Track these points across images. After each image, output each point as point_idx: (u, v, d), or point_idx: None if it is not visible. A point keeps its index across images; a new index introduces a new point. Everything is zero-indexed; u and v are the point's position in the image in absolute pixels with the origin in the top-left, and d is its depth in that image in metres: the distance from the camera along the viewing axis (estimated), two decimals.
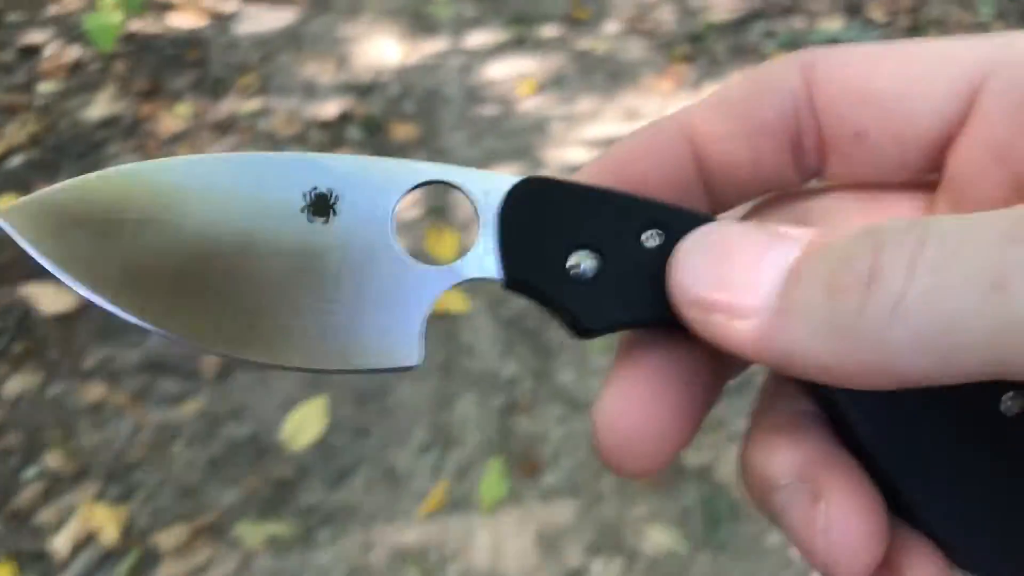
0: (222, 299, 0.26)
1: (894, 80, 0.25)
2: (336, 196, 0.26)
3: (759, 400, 0.28)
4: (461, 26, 2.44)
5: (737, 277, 0.22)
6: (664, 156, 0.26)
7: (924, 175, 0.26)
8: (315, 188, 0.26)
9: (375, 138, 2.11)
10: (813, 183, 0.28)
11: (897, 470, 0.24)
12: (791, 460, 0.24)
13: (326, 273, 0.26)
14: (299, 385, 1.59)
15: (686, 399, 0.26)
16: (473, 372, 1.61)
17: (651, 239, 0.26)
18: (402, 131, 2.12)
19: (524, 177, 0.27)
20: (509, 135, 2.09)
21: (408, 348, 0.26)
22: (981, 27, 2.29)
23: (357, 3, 2.55)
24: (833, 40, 2.30)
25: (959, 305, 0.18)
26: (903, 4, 2.39)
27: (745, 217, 0.28)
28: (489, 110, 2.18)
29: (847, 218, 0.27)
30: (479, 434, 1.52)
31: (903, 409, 0.24)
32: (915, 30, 2.30)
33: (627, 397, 0.25)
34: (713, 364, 0.26)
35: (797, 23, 2.37)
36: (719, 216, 0.27)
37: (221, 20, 2.48)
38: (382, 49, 2.38)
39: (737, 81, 0.27)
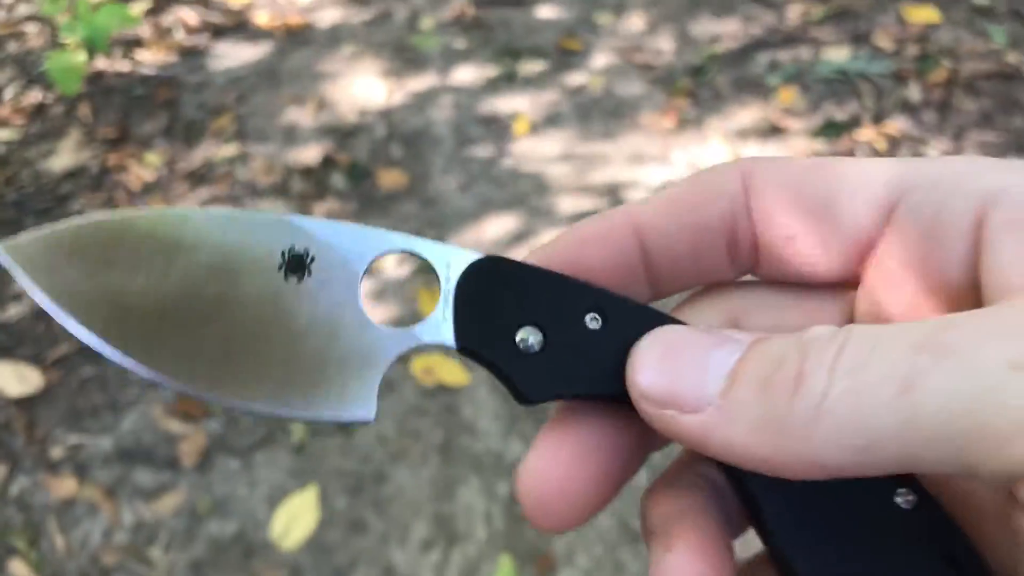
0: (199, 341, 0.28)
1: (822, 192, 0.27)
2: (312, 257, 0.28)
3: (680, 454, 0.30)
4: (448, 59, 2.32)
5: (686, 376, 0.24)
6: (613, 245, 0.28)
7: (846, 277, 0.28)
8: (292, 248, 0.28)
9: (361, 187, 1.99)
10: (747, 277, 0.31)
11: (793, 552, 0.26)
12: (665, 511, 0.27)
13: (295, 327, 0.28)
14: (287, 473, 1.47)
15: (607, 465, 0.28)
16: (475, 453, 1.50)
17: (593, 322, 0.28)
18: (389, 178, 2.00)
19: (482, 256, 0.29)
20: (503, 181, 1.98)
21: (365, 404, 0.28)
22: (994, 55, 2.19)
23: (336, 35, 2.42)
24: (842, 72, 2.20)
25: (873, 405, 0.21)
26: (911, 32, 2.30)
27: (682, 305, 0.31)
28: (481, 152, 2.06)
29: (776, 312, 0.29)
30: (486, 527, 1.41)
31: (806, 495, 0.26)
32: (924, 58, 2.20)
33: (550, 460, 0.27)
34: (638, 435, 0.29)
35: (803, 53, 2.27)
36: (659, 302, 0.30)
37: (193, 56, 2.35)
38: (365, 86, 2.25)
39: (682, 181, 0.29)
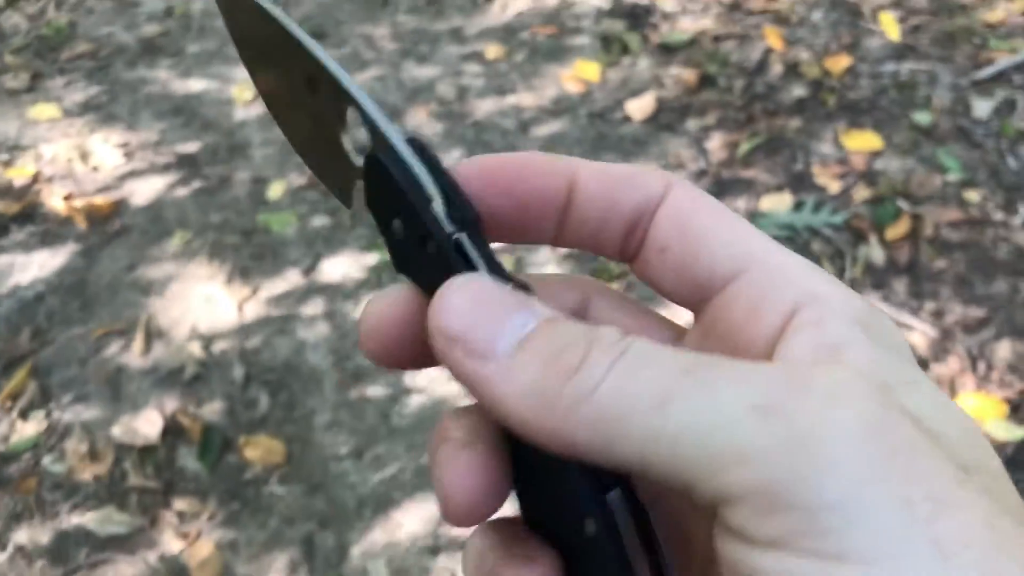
0: (277, 68, 0.34)
1: (699, 232, 0.30)
2: (318, 85, 0.32)
3: None
4: (311, 244, 1.86)
5: (483, 327, 0.26)
6: (549, 180, 0.31)
7: (692, 301, 0.31)
8: (313, 72, 0.32)
9: (220, 468, 1.52)
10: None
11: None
12: (461, 424, 0.29)
13: (308, 112, 0.33)
14: None
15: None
16: None
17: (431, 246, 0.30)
18: (257, 450, 1.54)
19: (410, 135, 0.30)
20: (413, 430, 1.55)
21: (346, 188, 0.33)
22: (954, 194, 1.93)
23: (159, 217, 1.91)
24: (789, 227, 1.88)
25: (631, 408, 0.24)
26: (854, 164, 2.01)
27: (552, 278, 0.34)
28: (376, 388, 1.62)
29: (620, 315, 0.33)
30: None
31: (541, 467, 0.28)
32: (878, 203, 1.92)
33: (390, 301, 0.30)
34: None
35: (739, 203, 1.94)
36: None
37: None
38: (207, 298, 1.77)
39: (626, 165, 0.32)
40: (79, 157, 2.00)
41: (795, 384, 0.23)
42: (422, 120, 2.13)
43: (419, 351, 0.30)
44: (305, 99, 0.33)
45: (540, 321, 0.26)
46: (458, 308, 0.27)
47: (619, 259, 0.32)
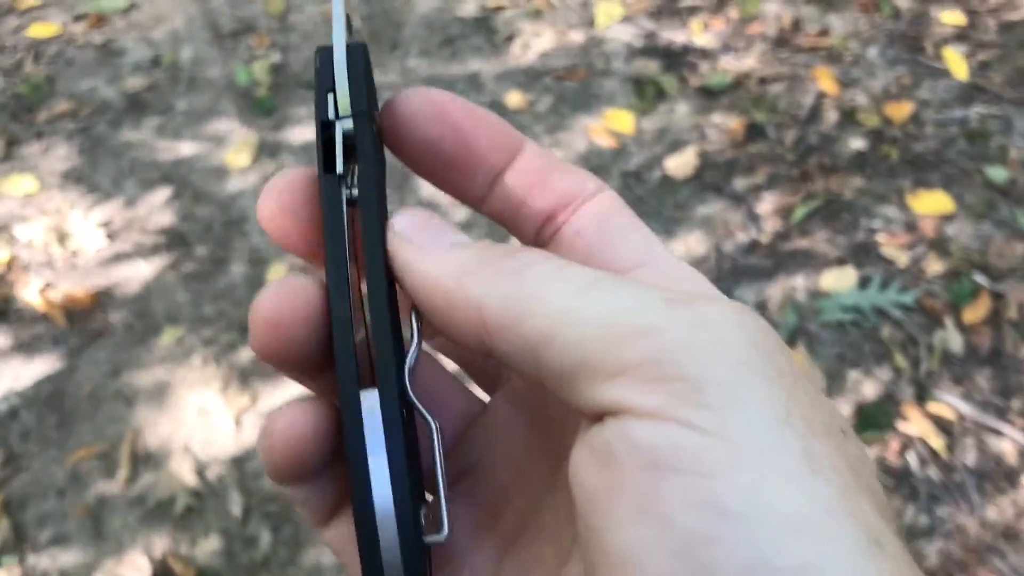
0: None
1: (610, 229, 0.32)
2: None
3: None
4: None
5: (430, 228, 0.30)
6: (499, 142, 0.33)
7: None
8: None
9: None
10: None
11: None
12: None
13: None
14: None
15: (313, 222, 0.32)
16: None
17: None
18: None
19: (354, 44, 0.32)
20: None
21: None
22: None
23: (146, 310, 1.72)
24: (855, 309, 1.68)
25: (555, 288, 0.27)
26: (923, 230, 1.80)
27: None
28: None
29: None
30: None
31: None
32: (953, 279, 1.71)
33: (289, 186, 0.32)
34: None
35: (797, 281, 1.73)
36: None
37: None
38: (201, 412, 1.58)
39: (562, 158, 0.35)
40: (57, 240, 1.81)
41: (703, 295, 0.27)
42: None
43: (314, 348, 0.30)
44: None
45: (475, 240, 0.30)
46: (413, 214, 0.30)
47: (532, 241, 0.33)
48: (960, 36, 2.16)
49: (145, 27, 2.25)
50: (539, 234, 0.33)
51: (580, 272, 0.27)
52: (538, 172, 0.33)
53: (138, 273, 1.78)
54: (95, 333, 1.69)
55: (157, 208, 1.89)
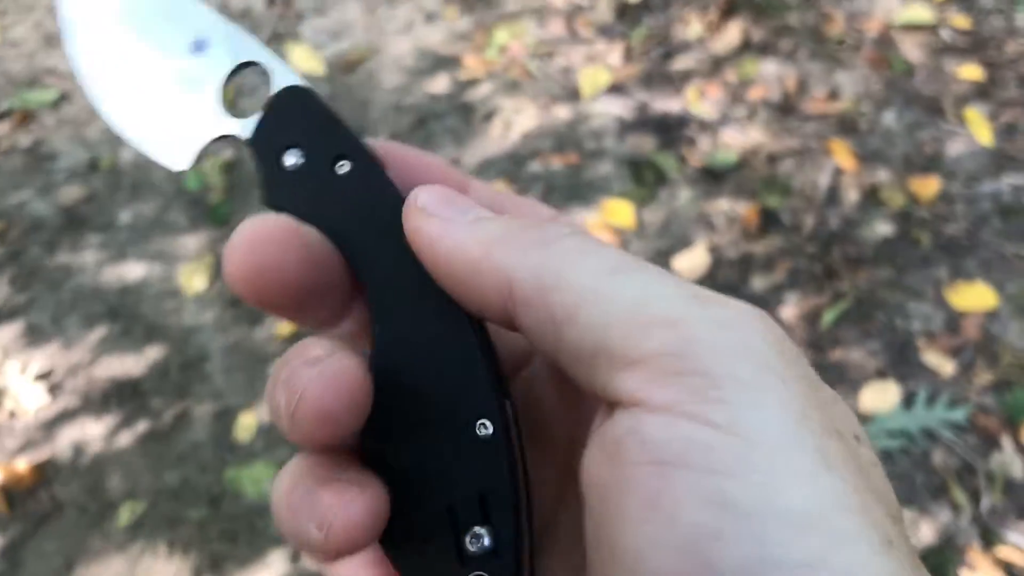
0: (125, 68, 0.37)
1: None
2: (210, 45, 0.37)
3: None
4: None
5: (454, 205, 0.30)
6: (446, 178, 0.35)
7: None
8: (203, 34, 0.37)
9: None
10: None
11: (377, 422, 0.30)
12: (324, 345, 0.30)
13: (176, 86, 0.37)
14: None
15: (305, 265, 0.31)
16: None
17: (341, 167, 0.34)
18: None
19: (296, 85, 0.36)
20: None
21: (183, 157, 0.37)
22: None
23: (98, 489, 1.51)
24: (903, 434, 1.51)
25: (584, 264, 0.27)
26: (967, 331, 1.63)
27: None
28: None
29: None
30: None
31: (407, 386, 0.31)
32: (1004, 390, 1.55)
33: (275, 229, 0.32)
34: (337, 269, 0.34)
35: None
36: None
37: None
38: None
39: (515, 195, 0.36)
40: None
41: (730, 299, 0.26)
42: None
43: (292, 286, 0.31)
44: (173, 65, 0.37)
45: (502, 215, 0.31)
46: (435, 190, 0.31)
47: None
48: (980, 93, 2.00)
49: (78, 123, 2.02)
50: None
51: (609, 252, 0.27)
52: (490, 205, 0.33)
53: (87, 436, 1.56)
54: (41, 517, 1.48)
55: (104, 350, 1.67)
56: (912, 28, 2.13)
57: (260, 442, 1.55)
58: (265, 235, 0.31)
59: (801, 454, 0.22)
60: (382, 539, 0.30)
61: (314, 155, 0.35)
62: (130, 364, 1.65)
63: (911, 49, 2.09)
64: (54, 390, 1.62)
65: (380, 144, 0.35)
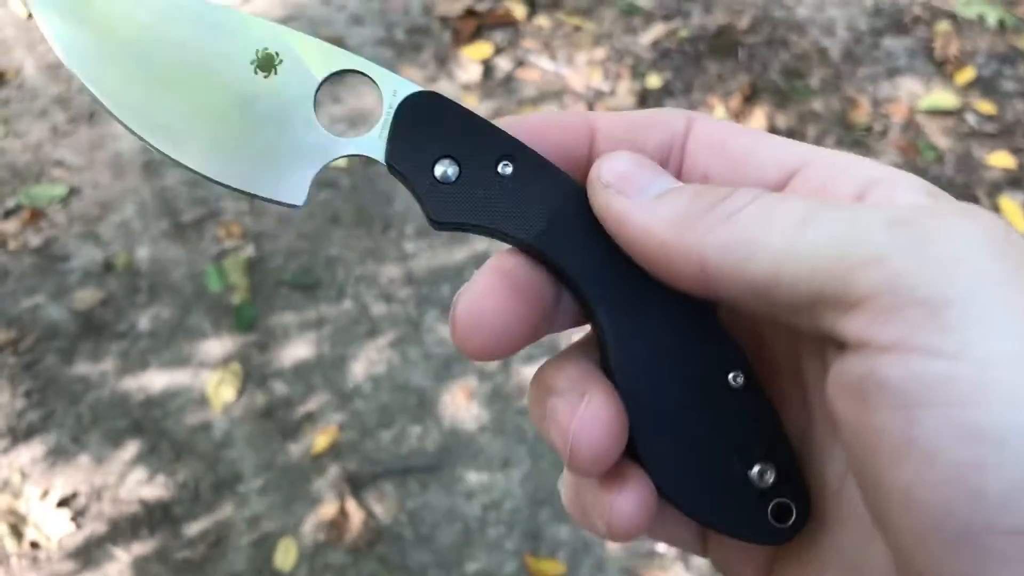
0: (171, 103, 0.34)
1: (743, 149, 0.33)
2: (280, 60, 0.34)
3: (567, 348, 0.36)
4: None
5: (638, 175, 0.31)
6: (569, 133, 0.34)
7: None
8: (266, 48, 0.34)
9: None
10: None
11: (633, 406, 0.32)
12: (569, 374, 0.33)
13: (255, 111, 0.34)
14: None
15: (529, 309, 0.33)
16: None
17: (504, 168, 0.34)
18: None
19: (422, 90, 0.34)
20: None
21: (298, 191, 0.34)
22: None
23: None
24: None
25: (772, 227, 0.27)
26: None
27: None
28: None
29: None
30: None
31: (650, 359, 0.32)
32: None
33: (486, 291, 0.32)
34: (549, 297, 0.34)
35: None
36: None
37: None
38: None
39: (642, 111, 0.35)
40: (11, 531, 1.49)
41: (925, 209, 0.26)
42: (460, 406, 1.67)
43: (514, 336, 0.32)
44: (246, 89, 0.34)
45: (682, 184, 0.31)
46: (618, 164, 0.32)
47: None
48: (1013, 181, 1.99)
49: (90, 219, 1.95)
50: None
51: (793, 206, 0.27)
52: (623, 138, 0.34)
53: (116, 566, 1.47)
54: None
55: (130, 470, 1.59)
56: (937, 113, 2.13)
57: (303, 569, 1.47)
58: (480, 302, 0.32)
59: None
60: (682, 506, 0.32)
61: (471, 161, 0.34)
62: (159, 485, 1.57)
63: (938, 135, 2.09)
64: (78, 516, 1.53)
65: (508, 126, 0.35)
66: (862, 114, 2.13)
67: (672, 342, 0.33)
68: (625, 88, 2.24)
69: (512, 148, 0.34)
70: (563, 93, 2.23)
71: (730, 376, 0.33)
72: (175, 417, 1.66)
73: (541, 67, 2.30)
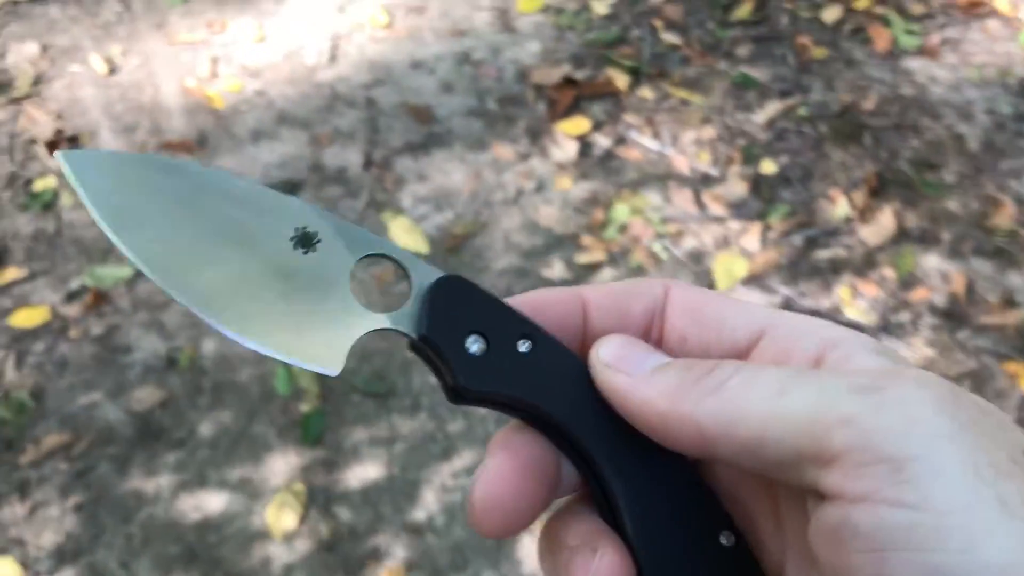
0: (214, 275, 0.35)
1: (716, 315, 0.36)
2: (319, 239, 0.37)
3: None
4: None
5: (633, 356, 0.35)
6: (566, 308, 0.38)
7: None
8: (306, 228, 0.37)
9: None
10: None
11: (643, 560, 0.35)
12: (579, 530, 0.36)
13: (292, 288, 0.36)
14: None
15: (539, 488, 0.36)
16: None
17: (523, 345, 0.37)
18: None
19: (449, 275, 0.38)
20: None
21: (335, 361, 0.36)
22: None
23: None
24: None
25: (756, 395, 0.31)
26: None
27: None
28: None
29: None
30: None
31: (657, 518, 0.35)
32: None
33: (498, 478, 0.35)
34: (553, 469, 0.37)
35: None
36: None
37: None
38: None
39: (625, 281, 0.39)
40: None
41: (885, 375, 0.30)
42: None
43: (527, 515, 0.35)
44: (285, 266, 0.36)
45: (672, 359, 0.35)
46: (615, 346, 0.36)
47: None
48: None
49: (155, 305, 1.83)
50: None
51: (770, 376, 0.31)
52: (613, 309, 0.38)
53: None
54: None
55: None
56: None
57: None
58: (496, 489, 0.35)
59: (985, 507, 0.26)
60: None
61: (497, 338, 0.37)
62: None
63: None
64: None
65: (518, 303, 0.38)
66: (1005, 216, 1.89)
67: (673, 503, 0.36)
68: (736, 173, 2.04)
69: (530, 329, 0.37)
70: (667, 177, 2.04)
71: (722, 537, 0.36)
72: (231, 544, 1.52)
73: (643, 145, 2.11)
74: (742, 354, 0.36)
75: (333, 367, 0.36)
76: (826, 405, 0.29)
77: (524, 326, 0.37)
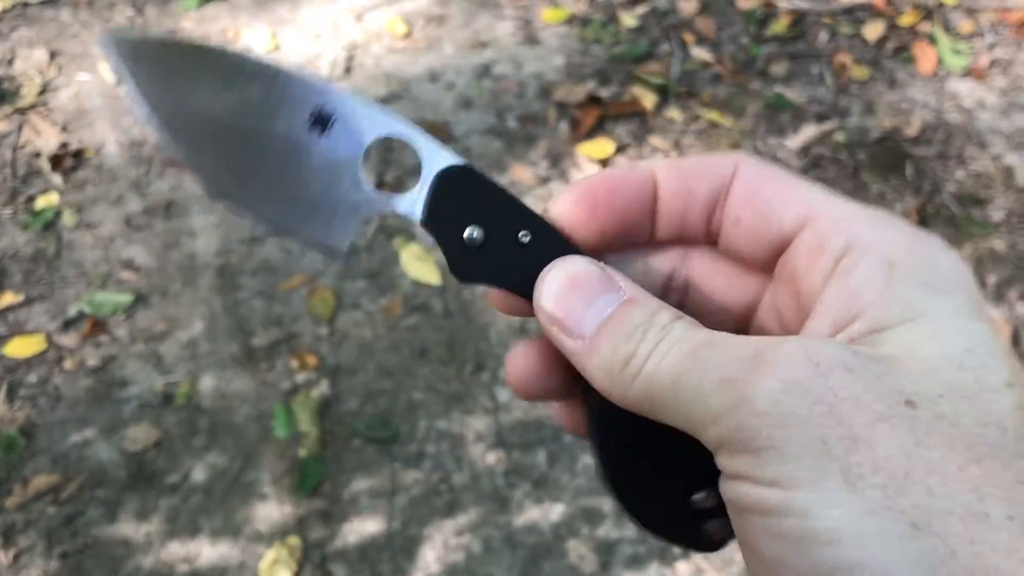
0: (233, 156, 0.37)
1: (764, 200, 0.37)
2: (334, 120, 0.38)
3: None
4: None
5: (573, 310, 0.36)
6: (637, 186, 0.38)
7: (767, 263, 0.38)
8: (322, 108, 0.38)
9: None
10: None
11: (606, 463, 0.39)
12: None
13: (307, 168, 0.38)
14: None
15: (562, 371, 0.39)
16: None
17: (524, 237, 0.38)
18: None
19: (461, 164, 0.38)
20: None
21: (342, 240, 0.38)
22: None
23: None
24: None
25: (659, 386, 0.33)
26: None
27: (660, 243, 0.41)
28: None
29: (713, 277, 0.41)
30: None
31: (630, 429, 0.38)
32: None
33: (526, 352, 0.40)
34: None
35: None
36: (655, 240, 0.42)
37: None
38: None
39: (694, 157, 0.39)
40: None
41: (750, 360, 0.31)
42: None
43: (555, 384, 0.40)
44: (301, 146, 0.38)
45: (620, 303, 0.35)
46: (556, 292, 0.36)
47: (706, 243, 0.40)
48: None
49: (153, 336, 1.75)
50: (708, 235, 0.39)
51: (669, 365, 0.33)
52: (680, 188, 0.38)
53: None
54: None
55: None
56: None
57: None
58: (526, 356, 0.40)
59: (827, 477, 0.29)
60: (624, 504, 0.39)
61: (496, 229, 0.38)
62: None
63: None
64: None
65: (571, 196, 0.39)
66: None
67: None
68: None
69: (532, 221, 0.38)
70: None
71: (696, 498, 0.38)
72: None
73: None
74: (786, 241, 0.36)
75: (339, 243, 0.38)
76: (699, 401, 0.32)
77: (525, 217, 0.38)
